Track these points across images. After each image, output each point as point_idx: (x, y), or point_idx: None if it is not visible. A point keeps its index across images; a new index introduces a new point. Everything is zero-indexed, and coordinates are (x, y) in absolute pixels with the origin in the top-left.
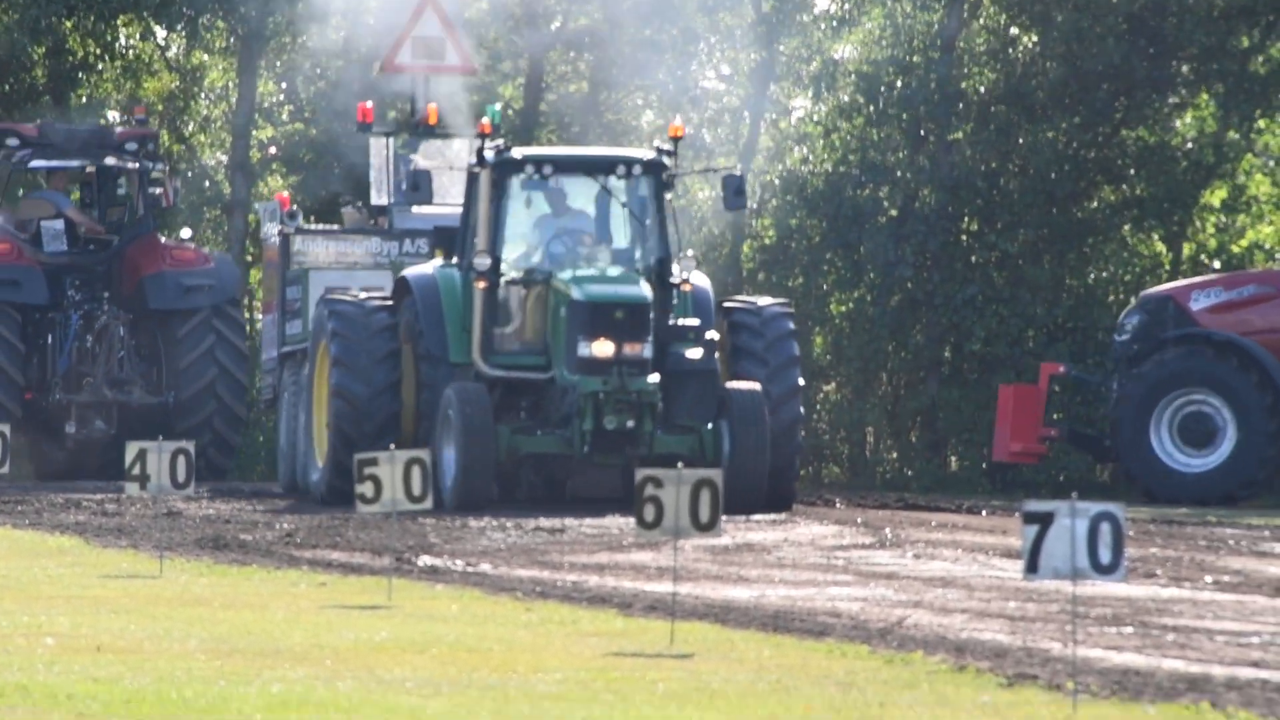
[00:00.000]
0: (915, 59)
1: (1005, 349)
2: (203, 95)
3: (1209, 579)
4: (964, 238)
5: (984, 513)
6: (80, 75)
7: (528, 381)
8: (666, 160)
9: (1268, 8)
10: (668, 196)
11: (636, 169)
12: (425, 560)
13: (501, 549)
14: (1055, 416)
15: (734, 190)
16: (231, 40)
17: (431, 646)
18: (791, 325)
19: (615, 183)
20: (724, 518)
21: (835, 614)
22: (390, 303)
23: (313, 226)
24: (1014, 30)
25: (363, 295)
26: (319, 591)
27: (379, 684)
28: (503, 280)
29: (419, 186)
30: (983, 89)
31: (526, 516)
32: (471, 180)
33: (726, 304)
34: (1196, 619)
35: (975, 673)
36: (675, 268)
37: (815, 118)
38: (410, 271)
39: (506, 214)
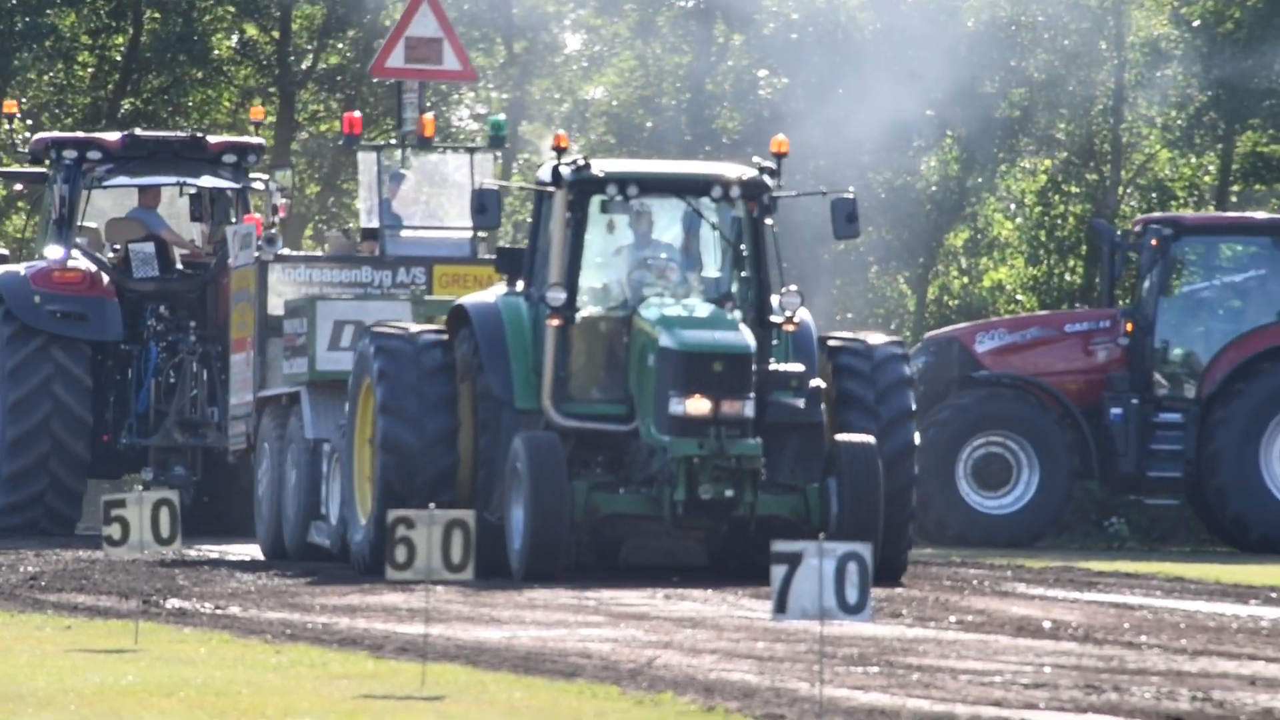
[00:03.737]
0: (665, 100)
1: None
2: None
3: (953, 619)
4: None
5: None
6: None
7: (605, 434)
8: (768, 180)
9: (1009, 53)
10: (768, 222)
11: (734, 190)
12: (173, 603)
13: (251, 591)
14: None
15: (845, 216)
16: None
17: (179, 690)
18: (907, 370)
19: (708, 205)
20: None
21: (586, 655)
22: (444, 337)
23: (294, 253)
24: (762, 72)
25: (413, 329)
26: (64, 635)
27: None
28: (578, 317)
29: (486, 208)
30: (731, 128)
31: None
32: (541, 200)
33: (830, 342)
34: (941, 658)
35: (724, 713)
36: (775, 303)
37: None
38: (470, 300)
39: (584, 240)
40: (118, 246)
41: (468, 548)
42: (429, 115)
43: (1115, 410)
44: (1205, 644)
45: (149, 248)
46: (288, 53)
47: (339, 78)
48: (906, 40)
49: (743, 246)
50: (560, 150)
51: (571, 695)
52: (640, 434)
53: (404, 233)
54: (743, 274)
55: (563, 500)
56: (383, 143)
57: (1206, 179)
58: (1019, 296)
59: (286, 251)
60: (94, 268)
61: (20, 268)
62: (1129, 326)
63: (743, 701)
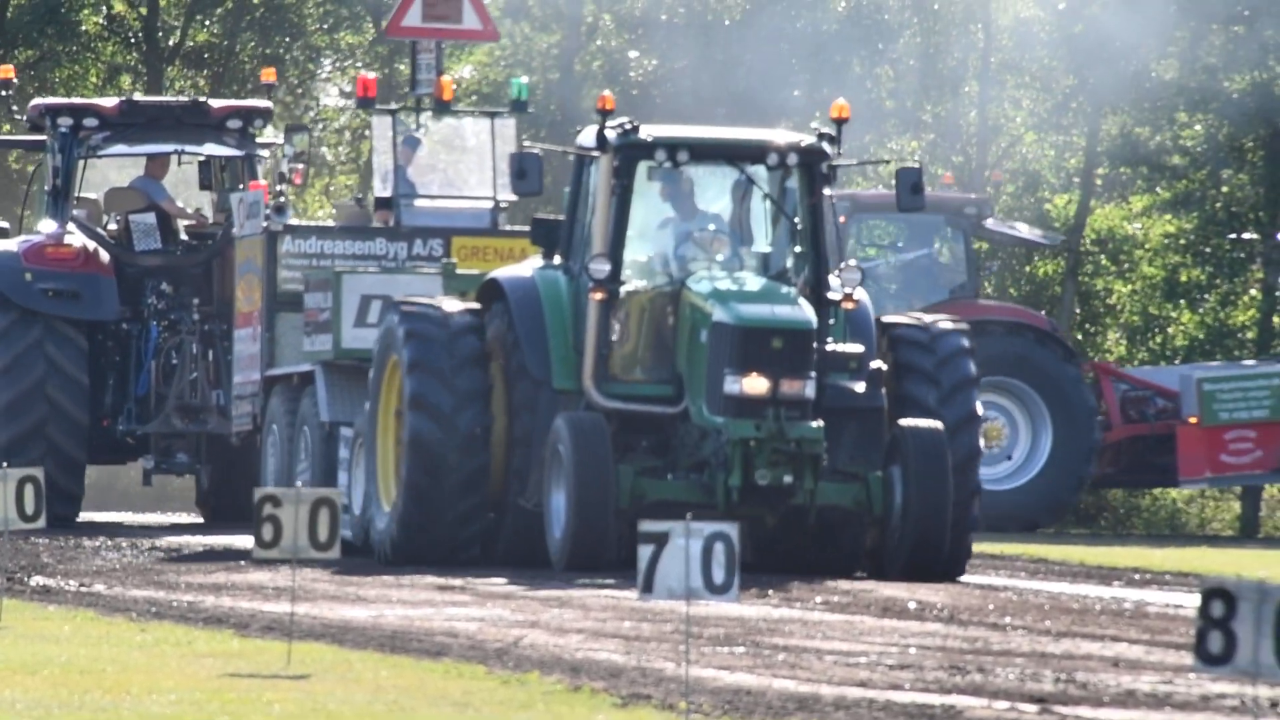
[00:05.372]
0: (534, 79)
1: None
2: None
3: (819, 599)
4: None
5: None
6: None
7: (651, 415)
8: (827, 147)
9: (877, 35)
10: (827, 192)
11: (792, 157)
12: (37, 580)
13: (116, 569)
14: None
15: (910, 186)
16: None
17: (43, 668)
18: (966, 343)
19: (762, 173)
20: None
21: (452, 634)
22: (476, 316)
23: (305, 223)
24: (632, 53)
25: (444, 306)
26: None
27: None
28: (623, 290)
29: (526, 173)
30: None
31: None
32: (582, 166)
33: (885, 319)
34: (807, 639)
35: (590, 692)
36: (834, 280)
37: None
38: (503, 273)
39: (629, 208)
40: (118, 218)
41: (334, 526)
42: (446, 78)
43: None
44: (1069, 625)
45: (150, 218)
46: (155, 28)
47: (206, 55)
48: (775, 21)
49: (797, 219)
50: (605, 113)
51: (438, 674)
52: (690, 415)
53: (420, 202)
54: (797, 248)
55: (609, 485)
56: (398, 106)
57: (1073, 161)
58: None
59: (296, 221)
60: (91, 243)
61: (13, 243)
62: None
63: (609, 681)
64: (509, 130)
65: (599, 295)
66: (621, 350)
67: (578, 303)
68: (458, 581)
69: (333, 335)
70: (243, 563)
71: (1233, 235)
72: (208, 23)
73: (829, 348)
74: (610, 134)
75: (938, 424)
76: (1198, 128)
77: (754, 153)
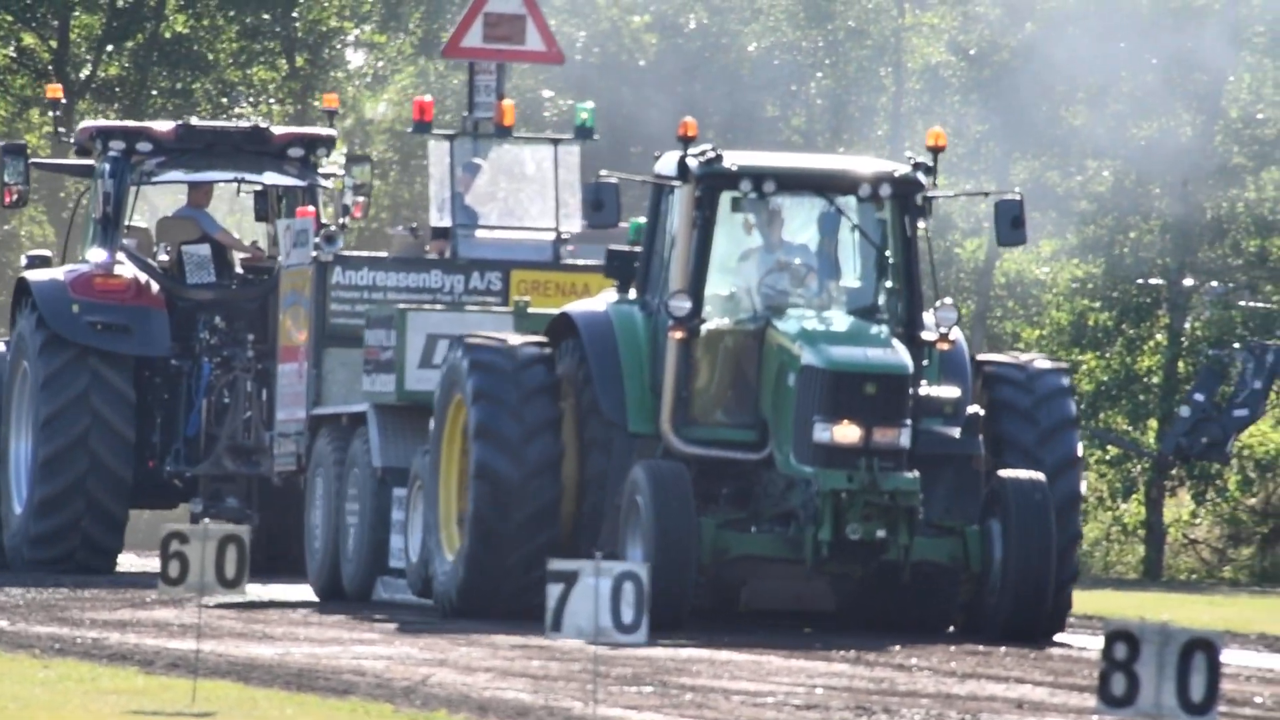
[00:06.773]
0: (449, 118)
1: None
2: None
3: (727, 639)
4: None
5: None
6: None
7: (733, 463)
8: (922, 177)
9: (790, 78)
10: (921, 225)
11: (885, 188)
12: None
13: (20, 605)
14: None
15: (1010, 220)
16: None
17: None
18: (1065, 382)
19: (852, 204)
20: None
21: (360, 672)
22: (546, 351)
23: (358, 254)
24: (547, 93)
25: (511, 340)
26: None
27: None
28: (704, 329)
29: (603, 203)
30: None
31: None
32: (660, 196)
33: (981, 359)
34: (714, 679)
35: None
36: (929, 319)
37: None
38: (576, 308)
39: (711, 241)
40: (169, 249)
41: (242, 563)
42: (508, 102)
43: None
44: (974, 667)
45: (204, 250)
46: (65, 62)
47: (117, 89)
48: (688, 63)
49: (888, 253)
50: (686, 140)
51: (344, 713)
52: (775, 464)
53: (480, 233)
54: (888, 284)
55: (691, 540)
56: (457, 131)
57: (982, 206)
58: None
59: (348, 252)
60: (142, 274)
61: (59, 273)
62: None
63: None
64: (573, 158)
65: (679, 334)
66: (702, 392)
67: (655, 341)
68: (365, 618)
69: (396, 376)
70: (149, 599)
71: (1140, 281)
72: (118, 57)
73: (923, 391)
74: (692, 162)
75: (1040, 475)
76: (1106, 174)
77: (844, 183)
